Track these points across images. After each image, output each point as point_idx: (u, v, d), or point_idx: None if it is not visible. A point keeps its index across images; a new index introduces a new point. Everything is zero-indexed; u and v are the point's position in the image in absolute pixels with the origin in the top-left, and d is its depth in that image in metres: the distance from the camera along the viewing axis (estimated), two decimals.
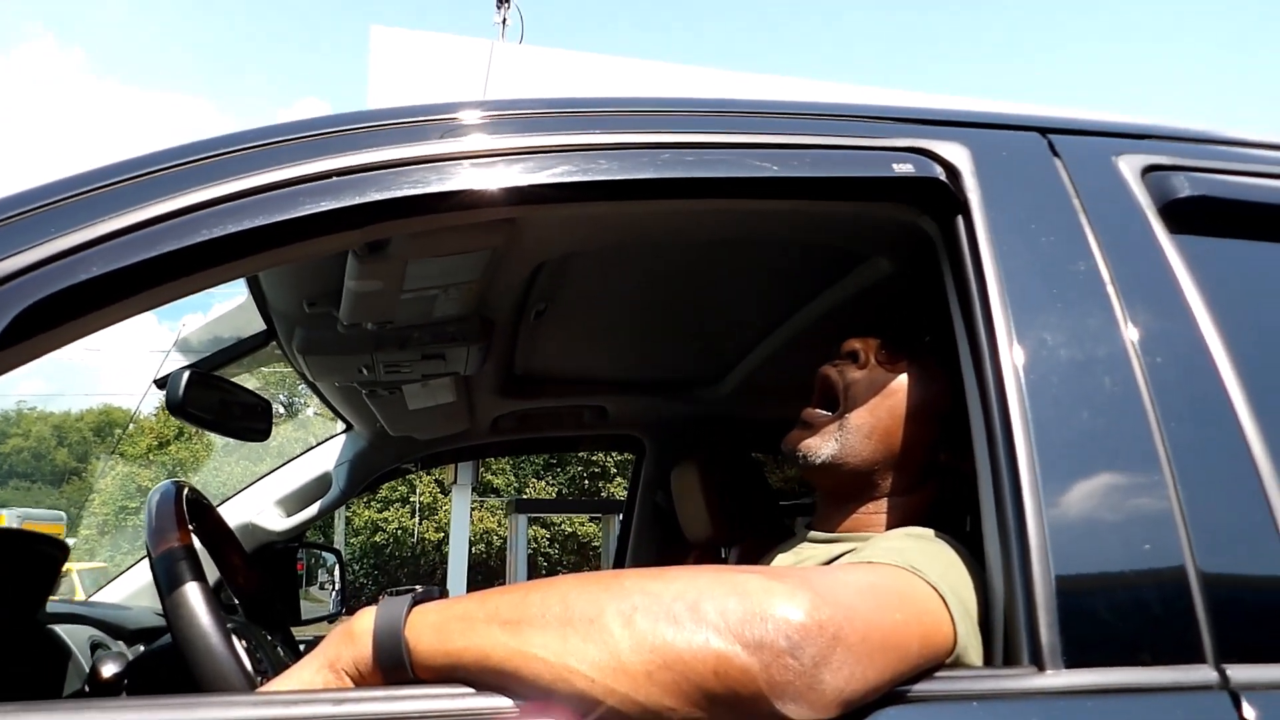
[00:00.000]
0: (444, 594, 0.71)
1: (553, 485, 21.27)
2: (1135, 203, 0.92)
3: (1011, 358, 0.81)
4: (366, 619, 0.68)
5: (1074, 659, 0.69)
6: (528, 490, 20.56)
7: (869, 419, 1.02)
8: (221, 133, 0.87)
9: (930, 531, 0.91)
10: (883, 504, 1.02)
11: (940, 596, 0.73)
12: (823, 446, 1.02)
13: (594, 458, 19.28)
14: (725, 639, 0.55)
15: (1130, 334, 0.83)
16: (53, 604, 1.31)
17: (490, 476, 20.36)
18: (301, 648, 1.34)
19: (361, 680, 0.66)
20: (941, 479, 1.03)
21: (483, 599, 0.65)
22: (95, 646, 1.25)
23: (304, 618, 2.13)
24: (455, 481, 8.30)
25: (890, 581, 0.72)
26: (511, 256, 1.21)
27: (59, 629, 1.22)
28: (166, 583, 0.82)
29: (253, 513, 2.06)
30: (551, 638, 0.59)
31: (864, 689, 0.59)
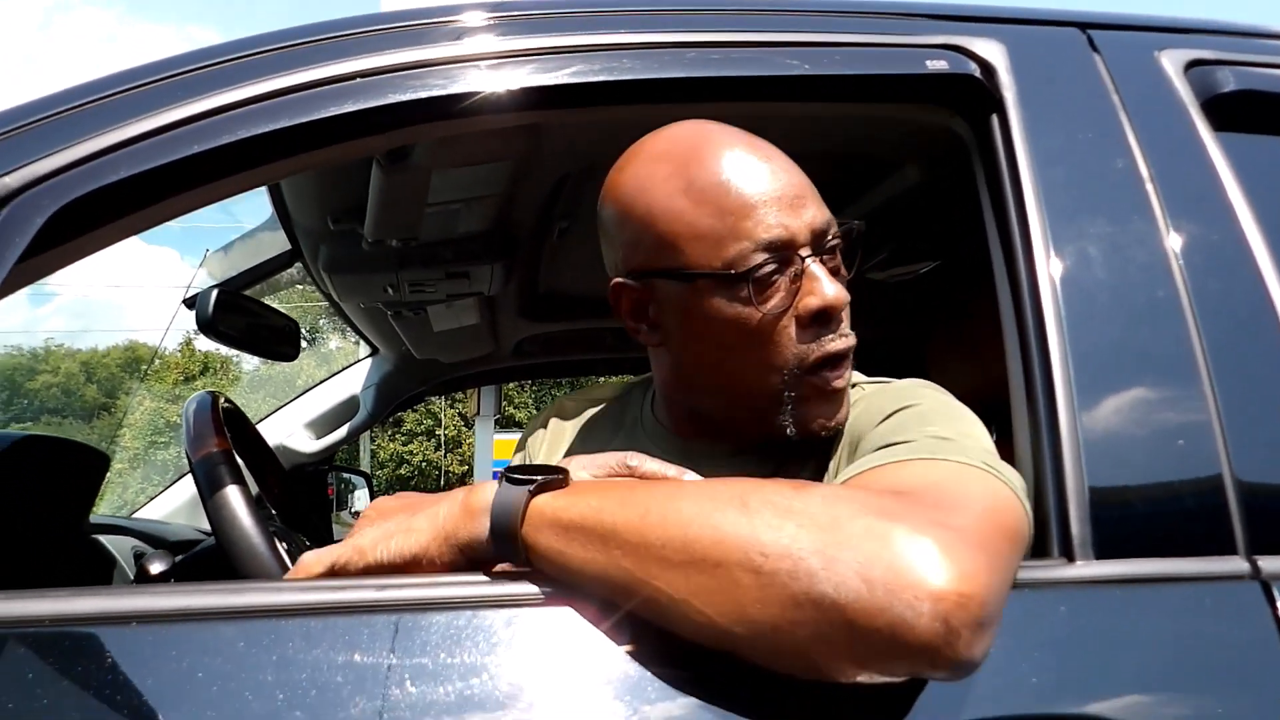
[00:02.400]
0: (564, 479, 0.65)
1: None
2: (1178, 99, 0.90)
3: (1047, 263, 0.80)
4: (484, 497, 0.64)
5: (1104, 550, 0.69)
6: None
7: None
8: None
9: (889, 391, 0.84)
10: None
11: (1022, 505, 0.66)
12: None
13: None
14: (864, 604, 0.50)
15: (1171, 238, 0.82)
16: (96, 517, 1.35)
17: (512, 410, 20.57)
18: None
19: (474, 555, 0.64)
20: None
21: (602, 505, 0.60)
22: (138, 556, 1.29)
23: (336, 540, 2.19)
24: (479, 413, 8.38)
25: (999, 502, 0.63)
26: (535, 167, 1.20)
27: (103, 539, 1.26)
28: (208, 486, 0.84)
29: (283, 435, 2.10)
30: (675, 575, 0.55)
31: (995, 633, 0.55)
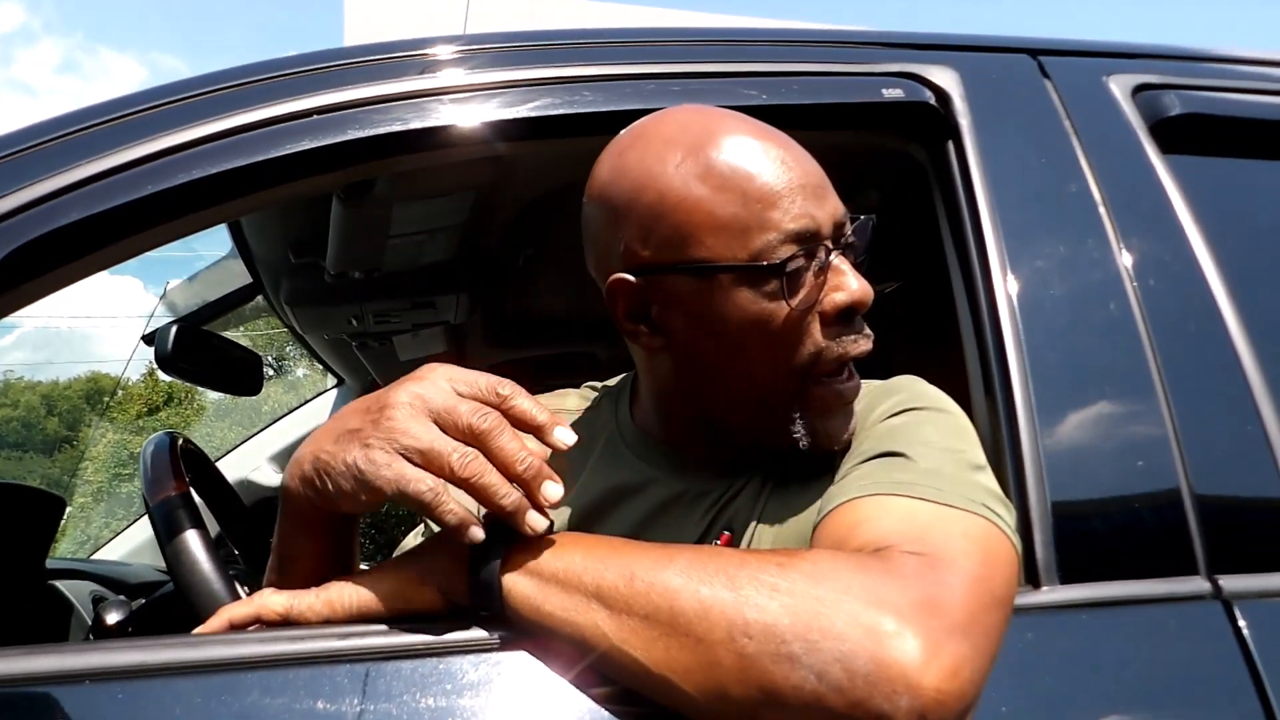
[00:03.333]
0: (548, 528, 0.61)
1: None
2: (1127, 123, 0.92)
3: (1005, 284, 0.81)
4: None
5: (1069, 575, 0.70)
6: None
7: None
8: None
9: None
10: None
11: (1014, 547, 0.63)
12: None
13: None
14: (845, 694, 0.50)
15: (1124, 257, 0.83)
16: (53, 560, 1.32)
17: None
18: None
19: (450, 596, 0.62)
20: None
21: (586, 563, 0.59)
22: (97, 600, 1.26)
23: None
24: None
25: (994, 557, 0.60)
26: (497, 197, 1.20)
27: (61, 584, 1.23)
28: (166, 530, 0.82)
29: (248, 469, 2.06)
30: (656, 645, 0.55)
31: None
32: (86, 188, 0.74)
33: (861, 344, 0.73)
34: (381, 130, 0.80)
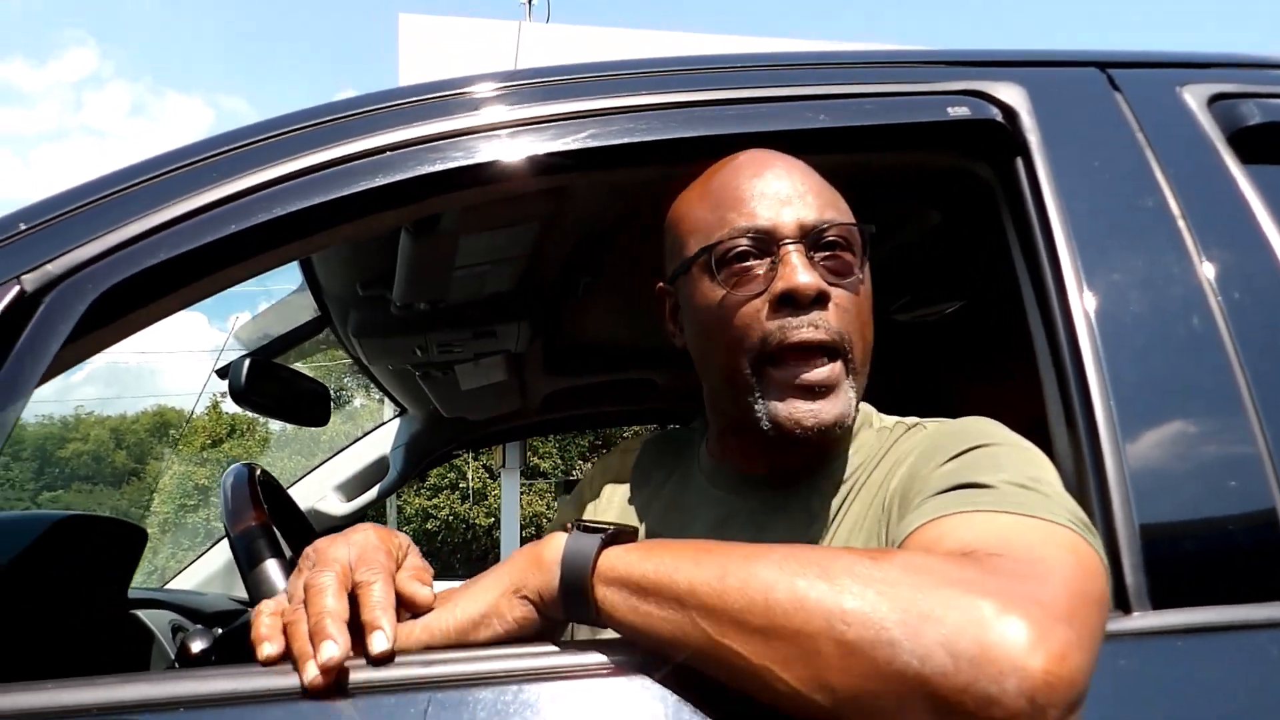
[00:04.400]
0: (634, 534, 0.66)
1: None
2: (1203, 134, 0.89)
3: (1082, 302, 0.80)
4: (555, 549, 0.64)
5: (1161, 600, 0.68)
6: (575, 473, 20.70)
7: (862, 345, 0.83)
8: None
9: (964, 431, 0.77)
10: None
11: (1104, 564, 0.62)
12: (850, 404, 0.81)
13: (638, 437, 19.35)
14: (950, 678, 0.49)
15: (1205, 270, 0.81)
16: (133, 590, 1.35)
17: (537, 460, 20.54)
18: None
19: (543, 608, 0.63)
20: None
21: (677, 564, 0.59)
22: (176, 630, 1.29)
23: None
24: (504, 465, 8.38)
25: (1084, 562, 0.59)
26: (560, 227, 1.21)
27: (142, 614, 1.26)
28: (247, 560, 0.84)
29: (314, 498, 2.10)
30: (755, 641, 0.54)
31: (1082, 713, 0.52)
32: (173, 228, 0.76)
33: (805, 331, 0.77)
34: (453, 164, 0.82)
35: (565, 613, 0.62)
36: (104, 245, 0.74)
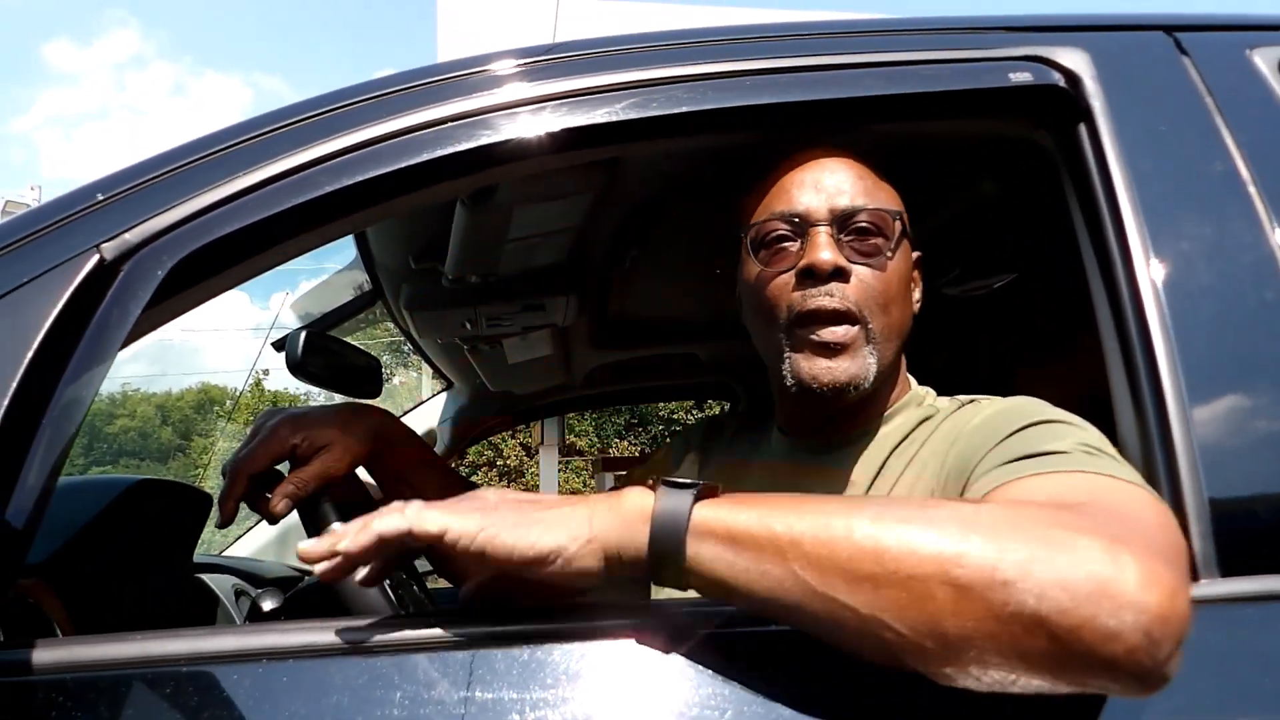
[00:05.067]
0: (718, 490, 0.61)
1: (635, 444, 21.48)
2: (1275, 98, 0.87)
3: (1148, 272, 0.78)
4: (640, 503, 0.60)
5: (1230, 568, 0.67)
6: (611, 450, 20.81)
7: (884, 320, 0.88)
8: None
9: (1023, 405, 0.80)
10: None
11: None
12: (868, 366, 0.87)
13: (675, 415, 19.31)
14: (1067, 615, 0.49)
15: (1277, 238, 0.79)
16: (197, 556, 1.39)
17: (574, 438, 20.65)
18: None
19: (617, 566, 0.60)
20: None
21: (776, 515, 0.57)
22: (239, 594, 1.33)
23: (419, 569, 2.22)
24: (541, 443, 8.45)
25: (1166, 515, 0.61)
26: (613, 198, 1.22)
27: (206, 578, 1.30)
28: (313, 523, 0.86)
29: (363, 472, 2.13)
30: (863, 588, 0.53)
31: None
32: (241, 199, 0.78)
33: (820, 299, 0.85)
34: (511, 135, 0.82)
35: (650, 571, 0.59)
36: (178, 215, 0.75)
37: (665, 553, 0.58)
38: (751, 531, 0.57)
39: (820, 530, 0.55)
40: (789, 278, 0.87)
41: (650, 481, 0.62)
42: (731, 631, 0.62)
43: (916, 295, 0.97)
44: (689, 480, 0.61)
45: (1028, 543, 0.52)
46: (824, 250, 0.85)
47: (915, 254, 0.96)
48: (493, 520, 0.60)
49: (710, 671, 0.60)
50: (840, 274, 0.85)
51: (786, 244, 0.88)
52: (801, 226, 0.88)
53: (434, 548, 0.61)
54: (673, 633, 0.62)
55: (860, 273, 0.87)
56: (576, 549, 0.60)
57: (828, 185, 0.89)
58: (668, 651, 0.61)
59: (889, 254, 0.89)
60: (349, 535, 0.62)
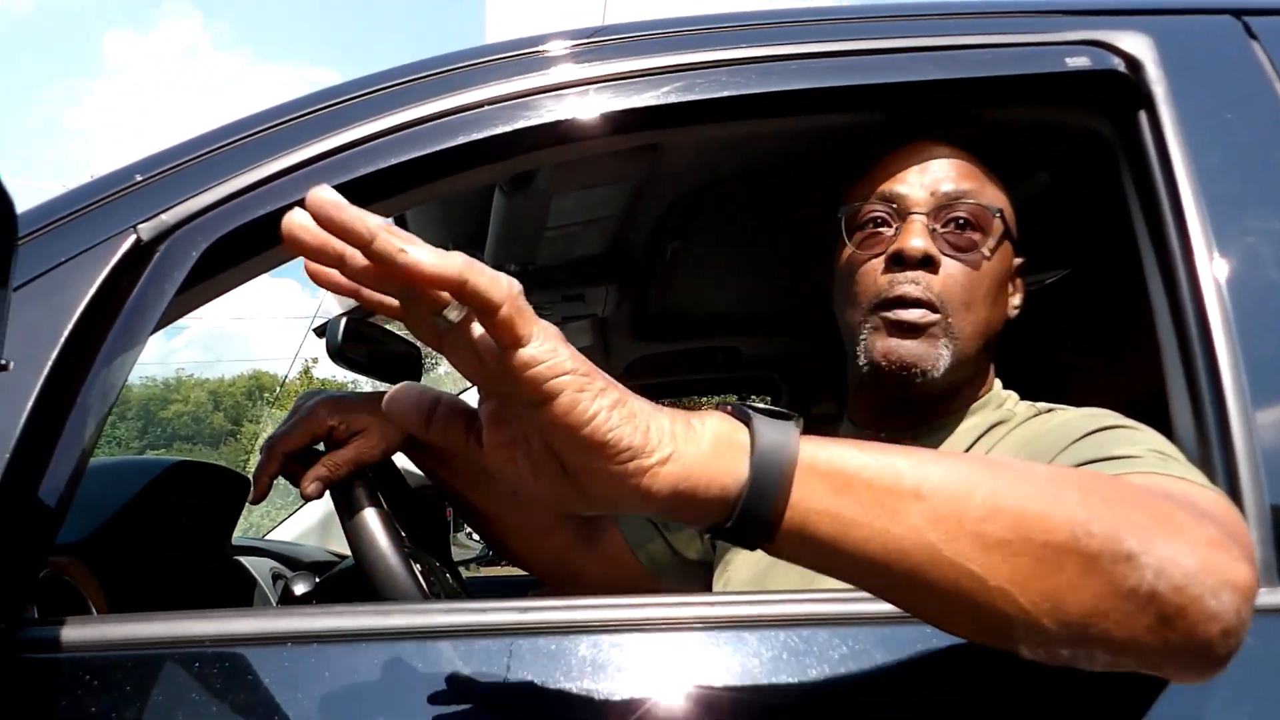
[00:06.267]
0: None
1: None
2: None
3: (1211, 266, 0.75)
4: (732, 430, 0.47)
5: None
6: None
7: (967, 316, 0.86)
8: None
9: (1106, 415, 0.77)
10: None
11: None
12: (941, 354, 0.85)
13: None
14: (1180, 598, 0.48)
15: None
16: (235, 540, 1.41)
17: None
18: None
19: (687, 504, 0.46)
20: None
21: (903, 463, 0.47)
22: (276, 577, 1.34)
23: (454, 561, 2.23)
24: None
25: (1235, 515, 0.59)
26: (652, 187, 1.20)
27: (244, 560, 1.31)
28: (347, 508, 0.86)
29: (402, 460, 2.14)
30: (993, 557, 0.46)
31: None
32: (276, 182, 0.77)
33: (905, 286, 0.85)
34: (550, 118, 0.81)
35: (734, 518, 0.46)
36: (214, 197, 0.75)
37: (759, 491, 0.45)
38: (865, 475, 0.47)
39: (957, 484, 0.47)
40: (879, 262, 0.87)
41: (729, 407, 0.49)
42: (762, 626, 0.61)
43: (1016, 301, 0.94)
44: (783, 409, 0.49)
45: (1145, 516, 0.50)
46: (916, 237, 0.85)
47: (1018, 259, 0.94)
48: (586, 375, 0.44)
49: (740, 667, 0.59)
50: (929, 263, 0.85)
51: (881, 228, 0.89)
52: (899, 212, 0.88)
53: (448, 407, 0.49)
54: (702, 627, 0.61)
55: (949, 265, 0.86)
56: (652, 462, 0.44)
57: (931, 173, 0.89)
58: (696, 646, 0.60)
59: (985, 251, 0.87)
60: (425, 249, 0.41)
